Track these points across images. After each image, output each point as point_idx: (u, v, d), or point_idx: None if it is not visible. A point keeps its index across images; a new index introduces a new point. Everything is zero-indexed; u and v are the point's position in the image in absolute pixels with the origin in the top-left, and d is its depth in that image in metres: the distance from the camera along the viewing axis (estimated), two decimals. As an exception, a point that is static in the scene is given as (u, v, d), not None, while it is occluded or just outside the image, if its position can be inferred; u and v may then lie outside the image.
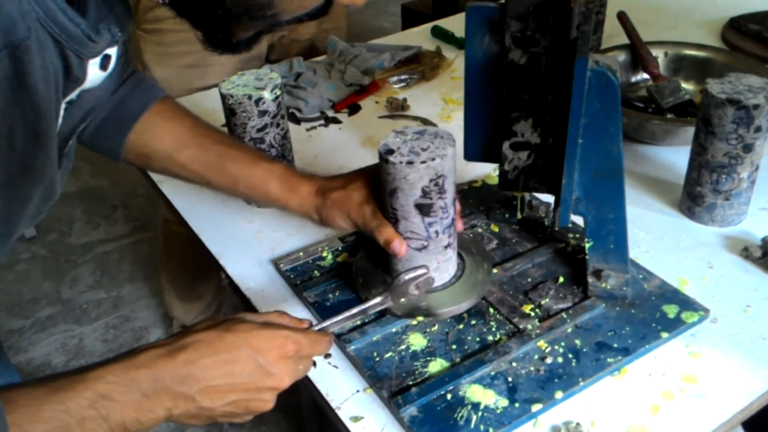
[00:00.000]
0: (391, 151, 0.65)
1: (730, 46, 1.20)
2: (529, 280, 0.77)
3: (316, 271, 0.80)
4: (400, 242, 0.67)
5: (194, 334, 0.53)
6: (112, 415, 0.48)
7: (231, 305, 1.77)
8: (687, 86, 1.06)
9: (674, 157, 0.97)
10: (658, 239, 0.83)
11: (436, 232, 0.68)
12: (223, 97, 0.85)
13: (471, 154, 0.78)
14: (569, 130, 0.64)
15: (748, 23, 1.21)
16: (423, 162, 0.64)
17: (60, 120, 0.55)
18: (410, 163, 0.64)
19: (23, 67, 0.44)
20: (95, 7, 0.52)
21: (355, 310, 0.65)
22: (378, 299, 0.67)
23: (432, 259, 0.70)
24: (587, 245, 0.73)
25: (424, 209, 0.67)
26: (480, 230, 0.84)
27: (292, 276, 0.79)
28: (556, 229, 0.81)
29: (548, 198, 0.83)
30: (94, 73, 0.54)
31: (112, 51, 0.56)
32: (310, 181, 0.76)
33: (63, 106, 0.55)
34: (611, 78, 0.64)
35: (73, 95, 0.55)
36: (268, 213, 0.92)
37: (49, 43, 0.46)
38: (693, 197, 0.85)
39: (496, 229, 0.85)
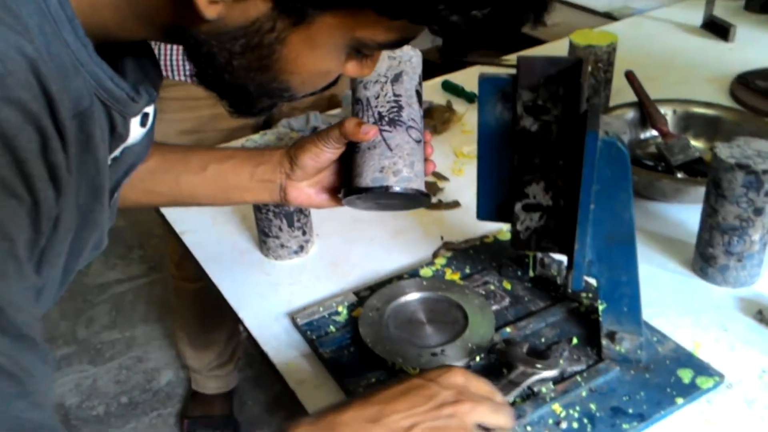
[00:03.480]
0: None
1: (739, 102, 1.23)
2: (543, 340, 0.78)
3: (331, 326, 0.81)
4: (369, 125, 0.69)
5: (341, 415, 0.55)
6: None
7: (245, 352, 1.78)
8: (696, 144, 1.08)
9: (685, 214, 0.98)
10: (672, 300, 0.84)
11: (423, 126, 0.73)
12: (244, 155, 0.88)
13: (484, 214, 0.80)
14: (581, 198, 0.66)
15: (756, 80, 1.23)
16: (420, 50, 0.71)
17: None
18: (414, 48, 0.70)
19: (88, 131, 0.49)
20: (132, 72, 0.57)
21: None
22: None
23: (420, 154, 0.72)
24: (600, 307, 0.74)
25: (419, 97, 0.72)
26: (492, 287, 0.86)
27: (308, 331, 0.81)
28: (569, 291, 0.82)
29: (561, 256, 0.84)
30: (136, 130, 0.59)
31: (150, 109, 0.61)
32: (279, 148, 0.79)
33: (108, 162, 0.59)
34: (621, 148, 0.66)
35: (117, 152, 0.59)
36: (285, 265, 0.94)
37: (99, 106, 0.51)
38: (705, 258, 0.86)
39: (509, 287, 0.86)
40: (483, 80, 0.72)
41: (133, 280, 2.18)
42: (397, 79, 0.69)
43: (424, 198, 0.71)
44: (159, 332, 1.97)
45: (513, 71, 0.70)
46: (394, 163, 0.69)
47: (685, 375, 0.72)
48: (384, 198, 0.71)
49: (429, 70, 2.27)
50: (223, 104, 0.59)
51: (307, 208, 0.78)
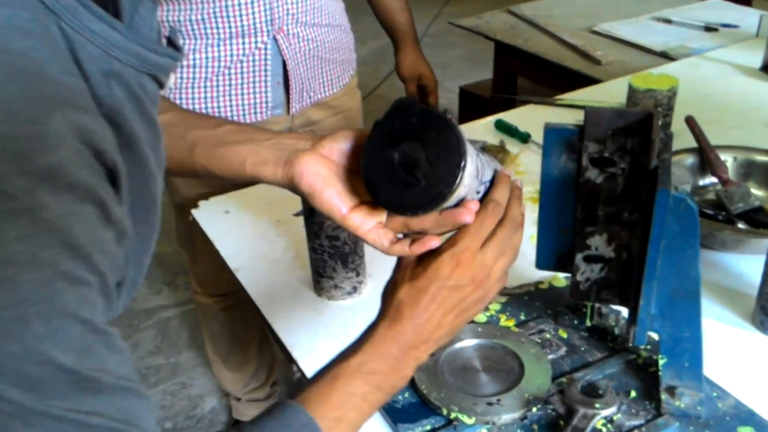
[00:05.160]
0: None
1: (800, 148, 1.20)
2: (600, 392, 0.77)
3: (386, 371, 0.81)
4: None
5: (396, 297, 0.62)
6: (381, 383, 0.60)
7: (282, 376, 1.78)
8: (757, 192, 1.06)
9: (745, 265, 0.96)
10: (731, 354, 0.82)
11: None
12: (304, 199, 0.89)
13: (543, 264, 0.80)
14: (649, 254, 0.65)
15: (819, 126, 1.21)
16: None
17: None
18: None
19: (137, 147, 0.46)
20: None
21: None
22: None
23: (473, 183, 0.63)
24: (661, 362, 0.73)
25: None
26: (548, 336, 0.85)
27: (362, 375, 0.81)
28: (630, 345, 0.80)
29: (620, 307, 0.83)
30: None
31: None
32: None
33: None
34: (690, 204, 0.65)
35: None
36: (338, 306, 0.95)
37: (145, 78, 0.48)
38: (767, 312, 0.84)
39: (565, 335, 0.85)
40: (548, 131, 0.72)
41: (179, 306, 2.21)
42: (482, 150, 0.67)
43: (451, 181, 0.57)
44: (204, 359, 1.99)
45: (566, 110, 0.70)
46: None
47: (747, 433, 0.70)
48: (411, 150, 0.57)
49: (479, 107, 2.29)
50: None
51: (308, 196, 0.64)
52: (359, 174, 0.61)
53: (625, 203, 0.73)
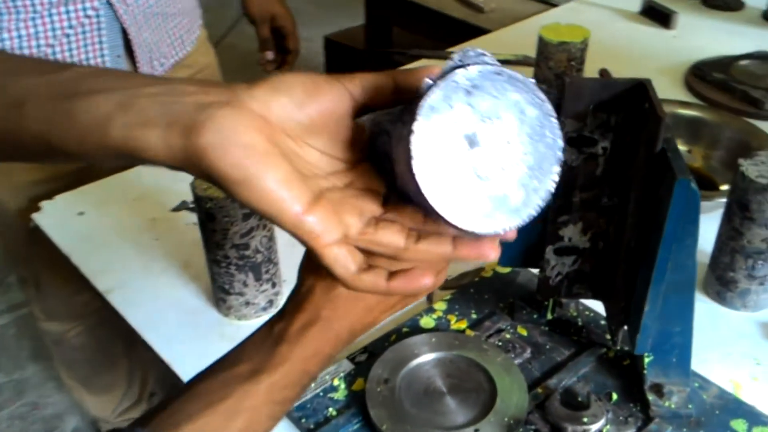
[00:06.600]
0: None
1: (696, 94, 1.18)
2: (579, 399, 0.68)
3: (330, 408, 0.67)
4: None
5: (334, 293, 0.50)
6: (285, 410, 0.49)
7: (158, 379, 1.57)
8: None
9: (681, 227, 0.91)
10: (695, 332, 0.77)
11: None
12: (199, 200, 0.70)
13: (507, 260, 0.69)
14: (659, 256, 0.55)
15: (713, 71, 1.20)
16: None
17: None
18: None
19: None
20: None
21: None
22: None
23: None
24: (647, 359, 0.66)
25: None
26: (508, 336, 0.74)
27: (303, 419, 0.66)
28: (622, 348, 0.71)
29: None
30: None
31: None
32: None
33: None
34: (694, 189, 0.56)
35: None
36: (251, 326, 0.77)
37: None
38: (724, 282, 0.79)
39: (525, 333, 0.75)
40: (519, 108, 0.59)
41: (14, 310, 1.87)
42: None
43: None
44: (55, 371, 1.70)
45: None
46: None
47: (740, 426, 0.65)
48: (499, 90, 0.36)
49: (350, 60, 2.10)
50: None
51: (232, 184, 0.36)
52: (321, 148, 0.40)
53: (604, 187, 0.63)
